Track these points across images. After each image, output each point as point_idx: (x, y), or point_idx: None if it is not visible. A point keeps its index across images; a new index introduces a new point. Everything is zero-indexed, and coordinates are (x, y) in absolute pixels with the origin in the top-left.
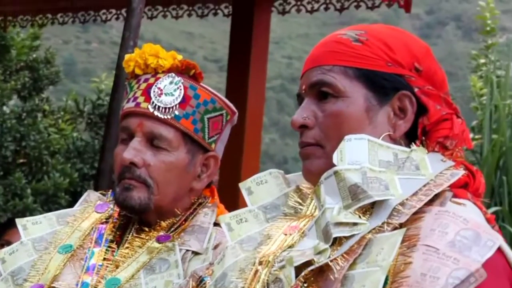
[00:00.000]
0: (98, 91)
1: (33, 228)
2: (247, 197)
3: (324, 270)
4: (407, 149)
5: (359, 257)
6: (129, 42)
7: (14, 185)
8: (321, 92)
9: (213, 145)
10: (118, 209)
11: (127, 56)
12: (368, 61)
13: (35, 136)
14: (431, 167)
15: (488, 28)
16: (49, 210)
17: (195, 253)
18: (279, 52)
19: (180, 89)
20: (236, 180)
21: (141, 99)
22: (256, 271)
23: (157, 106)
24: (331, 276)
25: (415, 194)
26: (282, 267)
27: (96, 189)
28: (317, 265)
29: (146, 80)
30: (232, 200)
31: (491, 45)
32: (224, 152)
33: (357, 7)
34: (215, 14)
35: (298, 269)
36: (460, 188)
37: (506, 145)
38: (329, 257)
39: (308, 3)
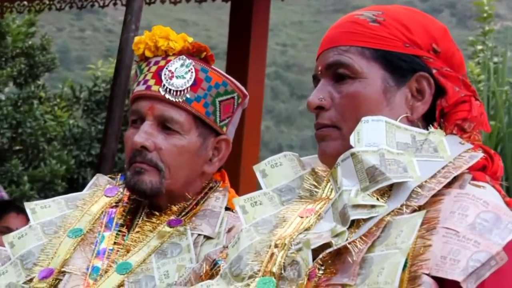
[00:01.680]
0: (94, 78)
1: (42, 212)
2: (262, 179)
3: (342, 252)
4: (425, 131)
5: (378, 239)
6: (131, 26)
7: (10, 172)
8: (338, 73)
9: (224, 128)
10: (128, 193)
11: (136, 38)
12: (385, 42)
13: (32, 123)
14: (449, 150)
15: (485, 15)
16: (46, 197)
17: (207, 238)
18: (274, 39)
19: (192, 72)
20: (236, 167)
21: (151, 82)
22: (272, 253)
23: (168, 89)
24: (349, 259)
25: (433, 176)
26: (299, 249)
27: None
28: (335, 247)
29: (156, 63)
30: (233, 186)
31: (488, 31)
32: None
33: None
34: (213, 0)
35: (315, 252)
36: (478, 171)
37: (504, 131)
38: (347, 239)
39: None
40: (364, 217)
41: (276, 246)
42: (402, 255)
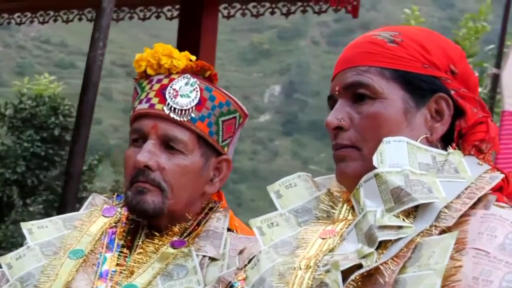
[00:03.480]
0: (20, 95)
1: (39, 232)
2: (276, 200)
3: (372, 274)
4: (444, 152)
5: (409, 260)
6: (99, 43)
7: None
8: (357, 94)
9: (225, 149)
10: (126, 213)
11: (138, 56)
12: (404, 63)
13: None
14: (469, 170)
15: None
16: None
17: (212, 259)
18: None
19: (196, 91)
20: None
21: (155, 100)
22: (298, 275)
23: (173, 108)
24: (381, 280)
25: (458, 197)
26: (327, 271)
27: (64, 193)
28: (367, 268)
29: (159, 81)
30: None
31: None
32: None
33: (304, 12)
34: (158, 17)
35: (342, 274)
36: (495, 191)
37: None
38: (377, 260)
39: (254, 7)
40: (392, 238)
41: (300, 267)
42: (438, 276)
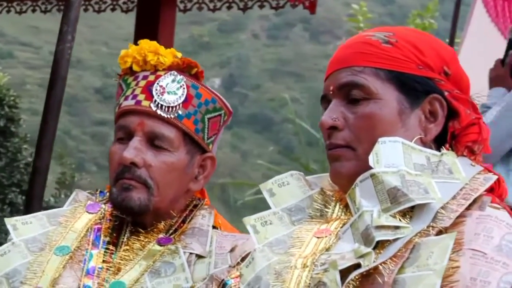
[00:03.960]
0: None
1: (23, 228)
2: (269, 198)
3: (370, 274)
4: (438, 153)
5: (407, 260)
6: (67, 36)
7: None
8: (351, 94)
9: (210, 146)
10: (109, 210)
11: (123, 52)
12: (399, 64)
13: None
14: (463, 171)
15: (360, 32)
16: None
17: (199, 256)
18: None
19: (183, 88)
20: None
21: (141, 96)
22: (294, 274)
23: (160, 105)
24: (380, 280)
25: (453, 198)
26: (325, 270)
27: (31, 188)
28: (366, 268)
29: (145, 77)
30: None
31: None
32: None
33: (261, 7)
34: (113, 10)
35: (340, 273)
36: (488, 193)
37: None
38: (375, 261)
39: (211, 1)
40: (389, 238)
41: (296, 266)
42: (437, 276)
